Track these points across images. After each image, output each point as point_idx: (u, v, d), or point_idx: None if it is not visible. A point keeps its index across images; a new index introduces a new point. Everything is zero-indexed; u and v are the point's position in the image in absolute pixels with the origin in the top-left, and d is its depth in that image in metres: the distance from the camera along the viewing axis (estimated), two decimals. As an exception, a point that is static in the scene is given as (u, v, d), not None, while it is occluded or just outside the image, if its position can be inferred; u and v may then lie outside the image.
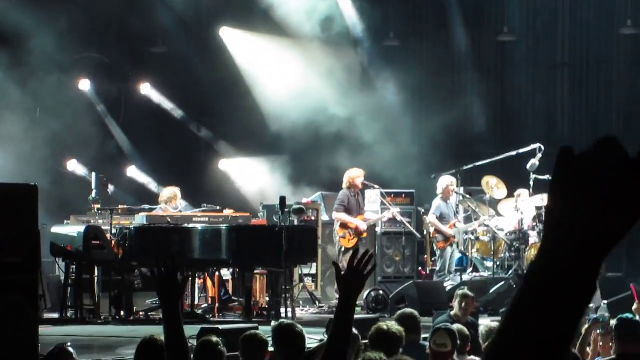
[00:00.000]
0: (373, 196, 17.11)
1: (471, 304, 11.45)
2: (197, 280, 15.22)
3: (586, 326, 8.99)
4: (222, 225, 14.68)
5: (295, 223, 15.33)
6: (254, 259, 14.29)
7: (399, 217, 16.85)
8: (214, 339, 7.69)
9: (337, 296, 5.10)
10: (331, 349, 4.61)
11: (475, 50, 22.47)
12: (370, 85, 21.36)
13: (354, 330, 8.00)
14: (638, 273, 16.45)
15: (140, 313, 14.11)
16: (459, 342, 8.46)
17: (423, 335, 9.44)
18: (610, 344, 8.45)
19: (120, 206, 17.11)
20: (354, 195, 16.56)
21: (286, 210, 14.83)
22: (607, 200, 1.50)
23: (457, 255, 17.52)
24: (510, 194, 17.48)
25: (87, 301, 14.17)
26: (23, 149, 18.88)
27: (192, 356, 7.66)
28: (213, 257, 14.29)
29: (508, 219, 17.34)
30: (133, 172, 21.98)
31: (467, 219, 17.64)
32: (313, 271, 16.90)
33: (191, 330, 10.35)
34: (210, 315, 14.38)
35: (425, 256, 18.27)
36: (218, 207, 16.46)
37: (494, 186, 17.53)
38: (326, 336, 7.70)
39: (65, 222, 16.28)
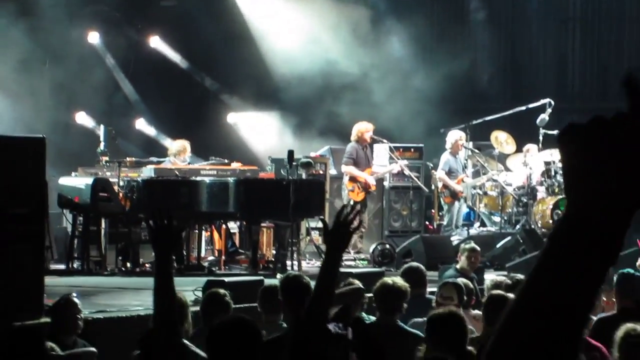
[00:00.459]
0: (382, 150, 17.03)
1: (478, 257, 11.51)
2: (204, 232, 15.25)
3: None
4: (229, 178, 14.66)
5: (303, 177, 15.31)
6: (261, 212, 14.27)
7: (406, 171, 16.77)
8: (222, 290, 7.76)
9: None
10: (315, 301, 4.64)
11: (486, 3, 22.31)
12: (378, 38, 21.22)
13: (359, 284, 8.04)
14: (645, 228, 16.42)
15: (147, 265, 14.12)
16: (465, 297, 8.50)
17: (429, 289, 9.48)
18: (613, 299, 8.43)
19: (128, 158, 17.10)
20: (362, 148, 16.51)
21: (294, 163, 14.81)
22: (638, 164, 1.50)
23: (465, 209, 17.51)
24: (519, 149, 17.41)
25: (94, 253, 14.20)
26: (31, 100, 18.85)
27: (200, 307, 7.73)
28: (220, 210, 14.28)
29: (516, 173, 17.29)
30: (141, 124, 21.97)
31: (476, 174, 17.60)
32: (320, 225, 16.89)
33: (197, 283, 10.39)
34: (217, 268, 14.41)
35: (433, 210, 18.27)
36: (226, 160, 16.43)
37: (503, 141, 17.46)
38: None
39: (73, 174, 16.27)
